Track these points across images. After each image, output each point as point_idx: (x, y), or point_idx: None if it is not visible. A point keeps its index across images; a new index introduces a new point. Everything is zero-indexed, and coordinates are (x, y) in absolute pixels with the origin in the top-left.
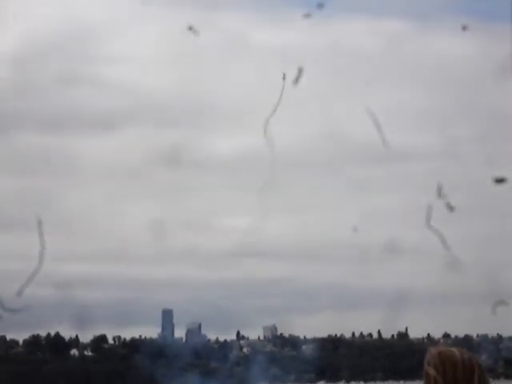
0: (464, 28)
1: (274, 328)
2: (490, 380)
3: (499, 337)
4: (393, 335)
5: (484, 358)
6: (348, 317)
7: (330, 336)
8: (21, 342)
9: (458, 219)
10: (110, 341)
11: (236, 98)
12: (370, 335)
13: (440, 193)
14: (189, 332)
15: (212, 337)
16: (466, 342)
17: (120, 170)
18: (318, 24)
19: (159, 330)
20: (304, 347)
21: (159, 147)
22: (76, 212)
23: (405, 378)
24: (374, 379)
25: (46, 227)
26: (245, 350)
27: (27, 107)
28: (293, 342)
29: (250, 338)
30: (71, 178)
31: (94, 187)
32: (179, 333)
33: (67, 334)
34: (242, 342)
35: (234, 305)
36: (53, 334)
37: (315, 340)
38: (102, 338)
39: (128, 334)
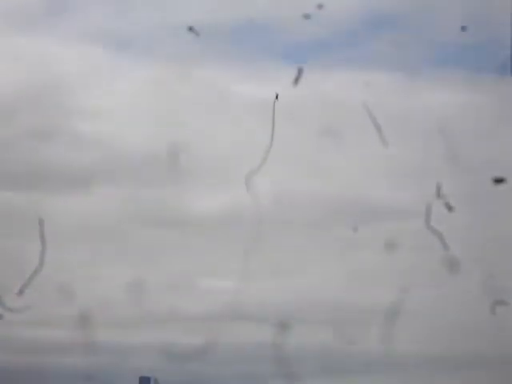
0: (463, 28)
1: None
2: None
3: None
4: None
5: None
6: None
7: None
8: None
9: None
10: None
11: (218, 153)
12: None
13: (439, 193)
14: None
15: None
16: None
17: (96, 229)
18: (304, 77)
19: None
20: None
21: (137, 205)
22: (48, 275)
23: None
24: None
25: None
26: None
27: None
28: None
29: None
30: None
31: (69, 248)
32: None
33: None
34: None
35: (217, 370)
36: None
37: None
38: None
39: None
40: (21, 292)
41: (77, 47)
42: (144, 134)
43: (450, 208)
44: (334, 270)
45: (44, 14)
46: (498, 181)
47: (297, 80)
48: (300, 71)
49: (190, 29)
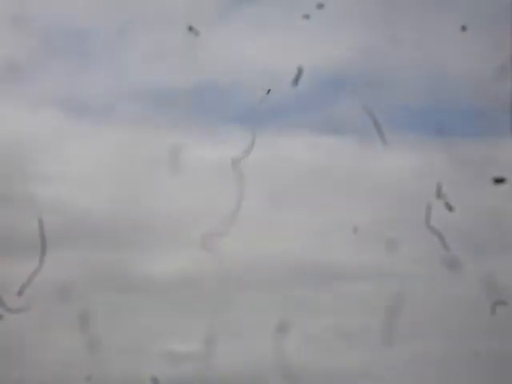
0: (463, 28)
1: None
2: None
3: None
4: None
5: None
6: None
7: None
8: None
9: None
10: None
11: (177, 215)
12: None
13: (439, 194)
14: None
15: None
16: None
17: (53, 293)
18: (259, 139)
19: None
20: None
21: (96, 269)
22: (3, 340)
23: None
24: None
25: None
26: None
27: None
28: None
29: None
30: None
31: (24, 313)
32: None
33: None
34: None
35: None
36: None
37: None
38: None
39: None
40: (20, 292)
41: (36, 111)
42: (103, 198)
43: (450, 208)
44: (295, 333)
45: (2, 78)
46: (498, 181)
47: (297, 80)
48: (300, 71)
49: (190, 29)
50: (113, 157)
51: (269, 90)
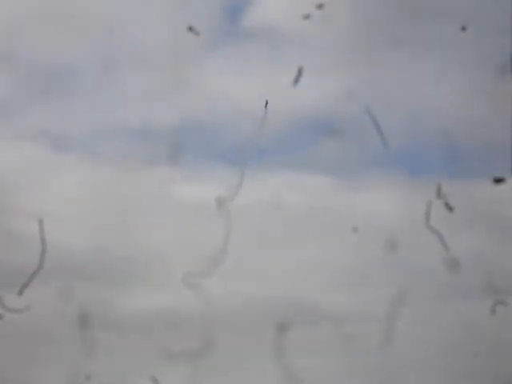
0: (463, 28)
1: None
2: None
3: None
4: None
5: None
6: None
7: None
8: None
9: None
10: None
11: (159, 253)
12: None
13: (439, 194)
14: None
15: None
16: None
17: (28, 331)
18: (242, 179)
19: None
20: None
21: (75, 305)
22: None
23: None
24: None
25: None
26: None
27: None
28: None
29: None
30: None
31: (4, 350)
32: None
33: None
34: None
35: None
36: None
37: None
38: None
39: None
40: (21, 292)
41: (19, 146)
42: (85, 234)
43: (450, 208)
44: (280, 375)
45: None
46: (498, 181)
47: (297, 80)
48: (300, 71)
49: (190, 29)
50: (95, 193)
51: (266, 103)
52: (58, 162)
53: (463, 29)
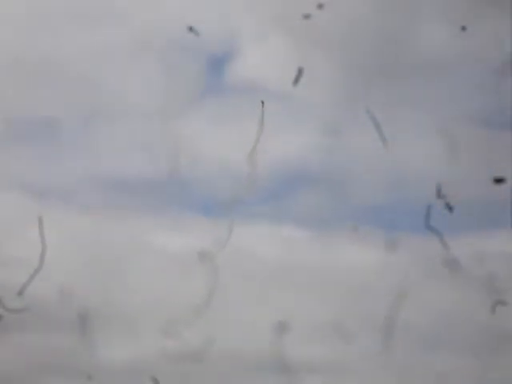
0: (463, 28)
1: None
2: None
3: None
4: None
5: None
6: None
7: None
8: None
9: None
10: None
11: (134, 302)
12: None
13: (439, 193)
14: None
15: None
16: None
17: (2, 379)
18: (220, 230)
19: None
20: None
21: (51, 355)
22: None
23: None
24: None
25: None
26: None
27: None
28: None
29: None
30: None
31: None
32: None
33: None
34: None
35: None
36: None
37: None
38: None
39: None
40: (21, 292)
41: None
42: (65, 282)
43: (450, 208)
44: None
45: None
46: (498, 181)
47: (297, 80)
48: (300, 71)
49: (190, 29)
50: (75, 242)
51: (263, 103)
52: (37, 211)
53: (463, 29)
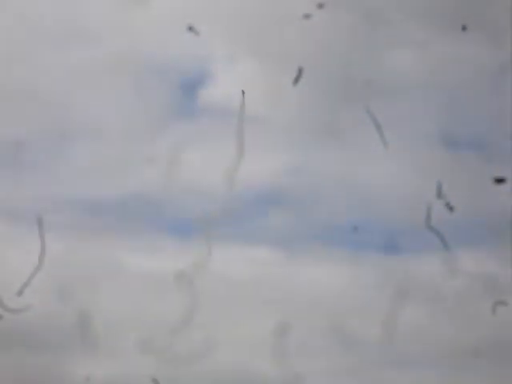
0: (463, 28)
1: None
2: None
3: None
4: None
5: None
6: None
7: None
8: None
9: None
10: None
11: (108, 324)
12: None
13: (440, 193)
14: None
15: None
16: None
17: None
18: (193, 251)
19: None
20: None
21: (30, 373)
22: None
23: None
24: None
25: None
26: None
27: None
28: None
29: None
30: None
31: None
32: None
33: None
34: None
35: None
36: None
37: None
38: None
39: None
40: (21, 292)
41: None
42: (36, 303)
43: (450, 208)
44: None
45: None
46: (499, 181)
47: (297, 80)
48: (300, 71)
49: (190, 28)
50: (46, 264)
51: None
52: (6, 233)
53: (463, 28)
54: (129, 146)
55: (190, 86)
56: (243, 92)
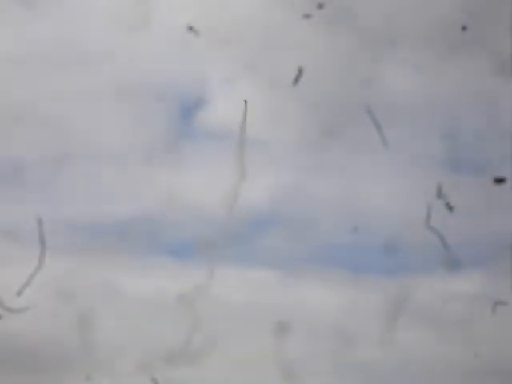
0: (463, 28)
1: None
2: None
3: None
4: None
5: None
6: None
7: None
8: None
9: None
10: None
11: (107, 344)
12: None
13: (440, 193)
14: None
15: None
16: None
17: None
18: (188, 272)
19: None
20: None
21: None
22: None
23: None
24: None
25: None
26: None
27: None
28: None
29: None
30: None
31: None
32: None
33: None
34: None
35: None
36: None
37: None
38: None
39: None
40: (20, 292)
41: None
42: (35, 324)
43: (450, 208)
44: None
45: None
46: (498, 181)
47: (297, 80)
48: (300, 71)
49: (190, 28)
50: (46, 283)
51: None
52: (6, 253)
53: (463, 28)
54: (128, 168)
55: (188, 110)
56: (244, 115)
